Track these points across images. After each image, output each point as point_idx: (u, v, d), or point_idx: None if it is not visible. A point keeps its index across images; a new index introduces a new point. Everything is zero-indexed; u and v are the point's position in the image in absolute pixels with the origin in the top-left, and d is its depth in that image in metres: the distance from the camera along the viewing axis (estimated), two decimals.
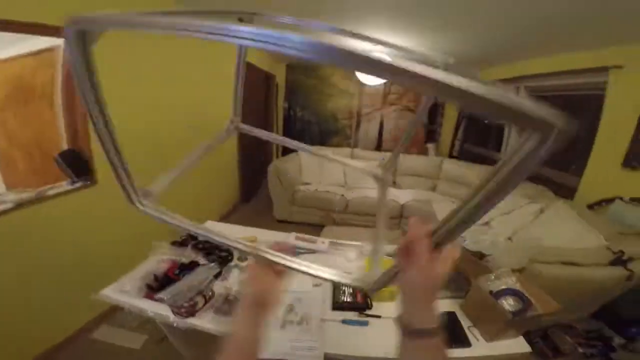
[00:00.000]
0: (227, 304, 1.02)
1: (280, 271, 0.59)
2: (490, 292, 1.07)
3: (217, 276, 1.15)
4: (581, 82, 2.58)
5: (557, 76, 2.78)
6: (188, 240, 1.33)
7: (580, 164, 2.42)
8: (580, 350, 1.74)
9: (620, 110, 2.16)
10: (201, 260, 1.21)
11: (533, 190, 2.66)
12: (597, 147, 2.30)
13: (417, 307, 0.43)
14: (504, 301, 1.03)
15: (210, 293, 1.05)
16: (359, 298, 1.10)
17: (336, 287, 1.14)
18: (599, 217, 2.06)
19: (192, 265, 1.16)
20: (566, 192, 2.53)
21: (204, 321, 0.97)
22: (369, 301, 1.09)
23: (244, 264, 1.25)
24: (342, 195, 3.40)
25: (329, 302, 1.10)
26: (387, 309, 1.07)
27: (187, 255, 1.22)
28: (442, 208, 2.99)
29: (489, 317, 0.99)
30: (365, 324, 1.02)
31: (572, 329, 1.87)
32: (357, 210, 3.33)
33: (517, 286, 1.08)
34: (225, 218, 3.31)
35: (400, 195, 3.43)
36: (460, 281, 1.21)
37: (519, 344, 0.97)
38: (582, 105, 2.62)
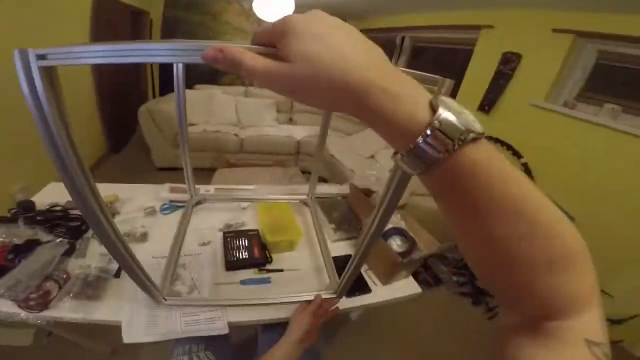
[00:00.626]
0: (90, 287, 0.76)
1: (323, 314, 0.75)
2: None
3: (69, 253, 0.85)
4: (456, 37, 2.90)
5: (436, 29, 3.02)
6: (19, 213, 0.92)
7: None
8: (455, 278, 2.12)
9: (482, 64, 2.55)
10: (43, 236, 0.87)
11: None
12: (460, 93, 2.72)
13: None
14: (392, 241, 1.00)
15: (65, 276, 0.77)
16: (256, 252, 0.95)
17: (227, 242, 0.97)
18: None
19: (30, 245, 0.82)
20: None
21: (65, 311, 0.72)
22: (268, 254, 0.96)
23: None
24: (236, 134, 3.07)
25: (220, 262, 0.92)
26: (288, 260, 0.97)
27: (21, 233, 0.86)
28: (332, 141, 3.09)
29: (381, 258, 0.96)
30: (268, 281, 0.89)
31: (446, 259, 2.26)
32: (253, 149, 3.13)
33: (402, 224, 1.06)
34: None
35: (297, 132, 3.39)
36: (352, 221, 1.16)
37: (410, 286, 0.98)
38: (454, 58, 3.01)
